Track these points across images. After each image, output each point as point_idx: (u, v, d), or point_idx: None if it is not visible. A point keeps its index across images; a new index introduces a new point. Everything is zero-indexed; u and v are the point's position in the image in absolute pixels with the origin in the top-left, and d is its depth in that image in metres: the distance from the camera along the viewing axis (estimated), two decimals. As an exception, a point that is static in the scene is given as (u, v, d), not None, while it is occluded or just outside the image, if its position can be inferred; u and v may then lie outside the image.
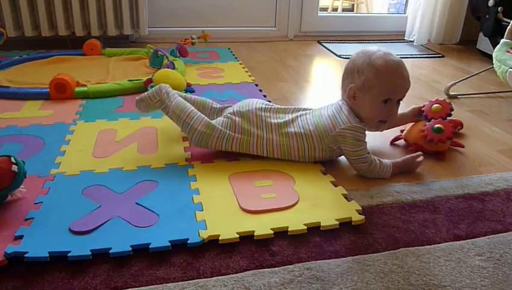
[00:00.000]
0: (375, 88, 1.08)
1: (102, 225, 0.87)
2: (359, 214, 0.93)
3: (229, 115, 1.17)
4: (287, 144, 1.13)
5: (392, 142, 1.32)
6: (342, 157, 1.18)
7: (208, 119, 1.15)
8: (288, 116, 1.17)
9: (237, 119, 1.15)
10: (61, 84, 1.52)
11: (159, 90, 1.21)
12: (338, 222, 0.90)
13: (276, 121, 1.15)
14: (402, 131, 1.32)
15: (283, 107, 1.22)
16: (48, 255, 0.78)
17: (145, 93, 1.24)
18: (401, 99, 1.13)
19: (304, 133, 1.12)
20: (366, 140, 1.10)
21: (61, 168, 1.08)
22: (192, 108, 1.17)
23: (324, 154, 1.13)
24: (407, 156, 1.16)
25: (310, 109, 1.20)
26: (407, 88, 1.12)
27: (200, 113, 1.16)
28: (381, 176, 1.11)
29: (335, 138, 1.10)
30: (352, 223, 0.91)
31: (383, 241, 0.87)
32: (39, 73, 1.77)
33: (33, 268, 0.77)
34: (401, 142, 1.31)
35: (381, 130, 1.19)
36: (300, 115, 1.17)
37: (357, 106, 1.11)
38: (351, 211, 0.94)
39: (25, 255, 0.78)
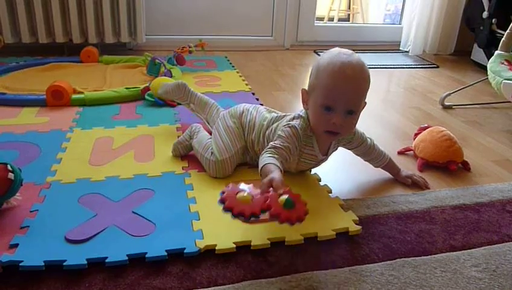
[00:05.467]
0: (315, 91, 0.96)
1: (98, 233, 0.86)
2: (356, 224, 0.93)
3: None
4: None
5: (401, 153, 1.33)
6: (339, 167, 1.18)
7: (215, 159, 1.09)
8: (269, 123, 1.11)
9: (223, 130, 1.15)
10: (58, 91, 1.52)
11: (196, 130, 1.20)
12: (335, 233, 0.90)
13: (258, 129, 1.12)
14: (415, 136, 1.34)
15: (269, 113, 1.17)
16: (43, 264, 0.77)
17: (182, 137, 1.22)
18: (353, 111, 0.95)
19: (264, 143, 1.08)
20: (289, 145, 0.96)
21: (57, 175, 1.08)
22: (208, 141, 1.14)
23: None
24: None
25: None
26: (351, 95, 0.93)
27: (210, 148, 1.12)
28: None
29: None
30: (349, 234, 0.91)
31: (380, 252, 0.87)
32: (36, 80, 1.77)
33: (28, 277, 0.76)
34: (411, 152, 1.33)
35: (331, 140, 1.04)
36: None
37: (309, 111, 1.01)
38: (348, 221, 0.94)
39: (20, 264, 0.77)
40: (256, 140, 1.12)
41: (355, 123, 0.99)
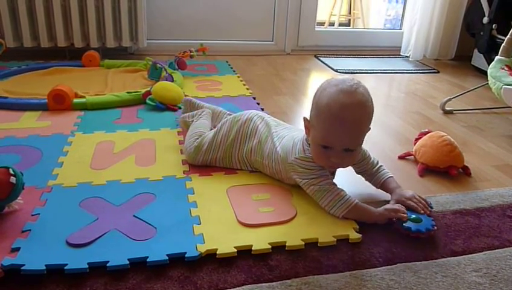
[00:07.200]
0: (314, 128, 0.96)
1: (99, 237, 0.87)
2: (356, 232, 0.93)
3: (218, 128, 1.21)
4: (261, 163, 1.13)
5: (401, 158, 1.33)
6: (339, 173, 1.19)
7: (196, 145, 1.18)
8: (269, 136, 1.12)
9: (221, 133, 1.17)
10: (60, 95, 1.53)
11: (200, 113, 1.34)
12: (335, 239, 0.90)
13: (256, 142, 1.13)
14: (416, 141, 1.34)
15: (276, 123, 1.19)
16: (44, 267, 0.78)
17: (188, 114, 1.37)
18: (352, 149, 0.95)
19: (273, 157, 1.08)
20: (320, 171, 0.99)
21: (58, 179, 1.08)
22: (201, 130, 1.24)
23: (291, 180, 1.07)
24: (387, 207, 0.97)
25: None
26: (349, 138, 0.93)
27: (199, 137, 1.20)
28: (331, 212, 0.97)
29: (290, 166, 1.03)
30: (350, 241, 0.91)
31: (381, 257, 0.87)
32: (38, 84, 1.78)
33: (30, 281, 0.76)
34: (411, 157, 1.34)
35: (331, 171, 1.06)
36: (279, 138, 1.10)
37: (310, 143, 1.00)
38: (349, 228, 0.94)
39: (22, 268, 0.77)
40: (255, 149, 1.13)
41: (356, 157, 1.01)
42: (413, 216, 0.96)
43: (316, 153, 0.98)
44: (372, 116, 0.96)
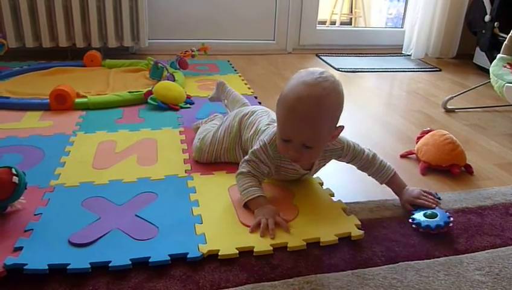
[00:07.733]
0: (277, 119, 0.94)
1: (101, 237, 0.87)
2: (358, 229, 0.93)
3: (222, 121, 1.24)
4: None
5: (403, 156, 1.34)
6: (341, 170, 1.18)
7: (201, 137, 1.22)
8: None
9: (225, 124, 1.20)
10: (62, 95, 1.53)
11: (212, 117, 1.37)
12: (337, 238, 0.90)
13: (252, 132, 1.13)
14: (418, 140, 1.34)
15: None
16: (47, 267, 0.78)
17: (201, 120, 1.38)
18: (310, 146, 0.90)
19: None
20: (258, 164, 0.99)
21: (60, 179, 1.08)
22: (207, 128, 1.27)
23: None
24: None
25: None
26: (303, 134, 0.88)
27: (206, 133, 1.23)
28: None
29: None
30: (352, 239, 0.91)
31: (383, 255, 0.87)
32: (39, 84, 1.78)
33: (32, 280, 0.76)
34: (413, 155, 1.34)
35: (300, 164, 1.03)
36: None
37: None
38: (350, 225, 0.94)
39: (24, 267, 0.77)
40: (251, 140, 1.12)
41: (317, 154, 0.97)
42: (429, 212, 0.96)
43: (278, 144, 0.96)
44: (335, 113, 0.91)
